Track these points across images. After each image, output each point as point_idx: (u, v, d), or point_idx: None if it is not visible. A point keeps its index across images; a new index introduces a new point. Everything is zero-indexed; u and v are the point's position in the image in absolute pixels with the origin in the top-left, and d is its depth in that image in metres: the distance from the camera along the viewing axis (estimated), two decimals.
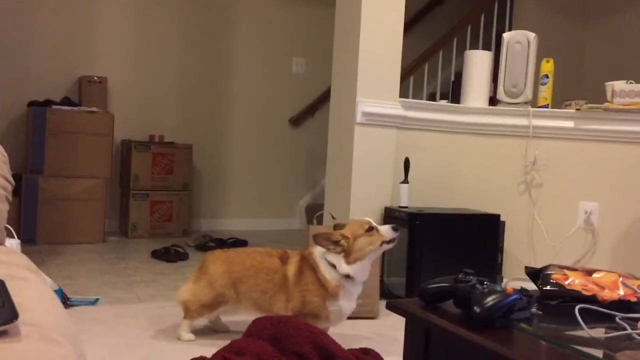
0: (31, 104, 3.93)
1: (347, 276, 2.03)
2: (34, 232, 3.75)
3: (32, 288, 1.03)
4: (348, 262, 2.01)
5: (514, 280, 2.99)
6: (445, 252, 2.84)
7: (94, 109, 3.98)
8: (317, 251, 2.08)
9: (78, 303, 2.53)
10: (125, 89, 4.44)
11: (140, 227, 4.20)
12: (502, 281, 3.09)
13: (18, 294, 0.89)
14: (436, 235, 2.84)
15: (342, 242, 2.02)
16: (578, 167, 3.03)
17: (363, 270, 2.05)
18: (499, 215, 2.99)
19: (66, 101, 4.05)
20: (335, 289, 2.03)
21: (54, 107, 3.88)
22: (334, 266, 2.03)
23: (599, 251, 2.97)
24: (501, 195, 3.20)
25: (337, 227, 2.13)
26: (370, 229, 2.04)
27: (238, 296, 2.12)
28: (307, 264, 2.08)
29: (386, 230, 2.05)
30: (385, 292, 2.88)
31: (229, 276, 2.12)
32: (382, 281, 2.85)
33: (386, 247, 2.07)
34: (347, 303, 2.07)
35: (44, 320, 0.88)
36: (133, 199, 4.18)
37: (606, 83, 2.95)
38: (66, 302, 2.48)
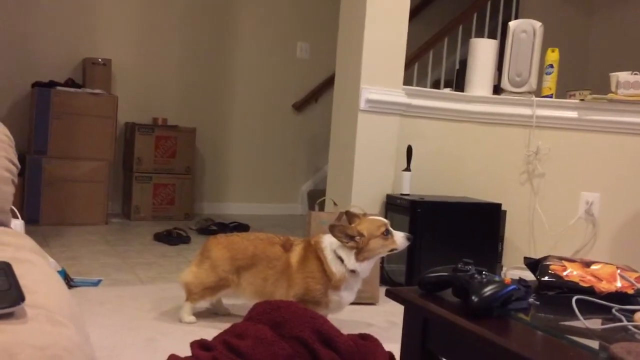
0: (35, 84, 3.93)
1: (352, 271, 2.05)
2: (37, 213, 3.77)
3: (38, 271, 1.04)
4: (357, 259, 2.03)
5: (514, 269, 3.02)
6: (446, 240, 2.85)
7: (98, 90, 3.98)
8: (325, 241, 2.09)
9: (81, 284, 2.55)
10: (129, 72, 4.44)
11: (143, 210, 4.22)
12: (502, 270, 3.11)
13: (24, 277, 0.90)
14: (437, 223, 2.85)
15: (358, 238, 2.02)
16: (580, 158, 3.04)
17: (368, 268, 2.08)
18: (500, 205, 3.00)
19: (70, 83, 4.05)
20: (339, 282, 2.06)
21: (58, 88, 3.88)
22: (341, 259, 2.04)
23: (599, 242, 2.98)
24: (503, 185, 3.20)
25: (348, 214, 2.14)
26: (387, 232, 2.05)
27: (239, 281, 2.14)
28: (313, 253, 2.09)
29: (400, 240, 2.05)
30: (386, 279, 2.90)
31: (231, 262, 2.14)
32: (382, 268, 2.87)
33: (394, 252, 2.10)
34: (347, 294, 2.09)
35: (50, 303, 0.89)
36: (136, 182, 4.20)
37: (611, 74, 2.94)
38: (69, 282, 2.51)
